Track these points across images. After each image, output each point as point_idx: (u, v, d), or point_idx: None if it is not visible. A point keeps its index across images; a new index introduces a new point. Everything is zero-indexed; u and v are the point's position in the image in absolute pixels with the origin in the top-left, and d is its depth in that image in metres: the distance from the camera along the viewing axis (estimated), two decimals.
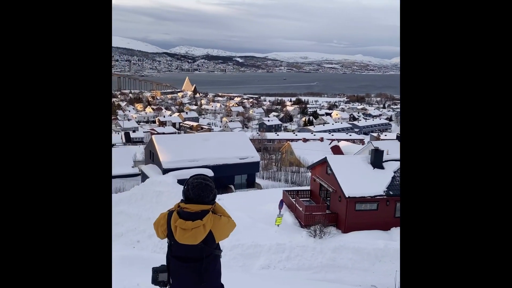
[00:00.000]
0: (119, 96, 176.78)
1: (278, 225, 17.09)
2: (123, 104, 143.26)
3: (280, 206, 18.47)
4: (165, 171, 28.41)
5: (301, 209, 19.01)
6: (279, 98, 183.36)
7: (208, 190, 2.64)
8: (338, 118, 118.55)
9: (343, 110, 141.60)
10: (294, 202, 20.10)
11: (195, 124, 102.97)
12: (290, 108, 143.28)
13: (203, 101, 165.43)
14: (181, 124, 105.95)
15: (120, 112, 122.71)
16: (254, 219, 17.25)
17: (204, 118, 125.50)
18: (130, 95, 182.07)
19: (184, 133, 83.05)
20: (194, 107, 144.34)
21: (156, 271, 2.65)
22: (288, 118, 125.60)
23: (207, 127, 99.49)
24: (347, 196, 17.63)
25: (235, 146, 32.45)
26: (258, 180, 34.36)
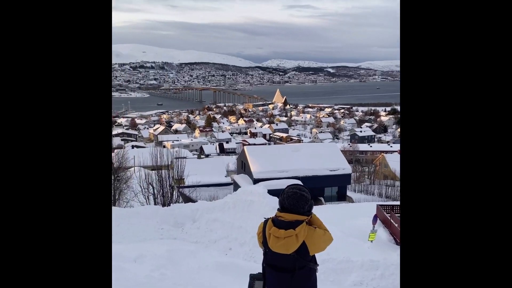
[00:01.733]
0: (214, 109, 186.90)
1: (371, 241, 16.27)
2: (218, 116, 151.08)
3: (374, 221, 17.58)
4: (256, 181, 29.08)
5: (397, 225, 17.87)
6: (373, 108, 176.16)
7: (303, 200, 2.61)
8: None
9: None
10: (389, 217, 18.98)
11: (285, 135, 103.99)
12: (384, 118, 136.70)
13: (293, 112, 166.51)
14: (271, 135, 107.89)
15: (215, 124, 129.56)
16: (345, 233, 16.64)
17: (294, 129, 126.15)
18: (225, 108, 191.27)
19: (274, 144, 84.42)
20: (284, 119, 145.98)
21: (253, 278, 2.70)
22: (382, 128, 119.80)
23: (296, 138, 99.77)
24: None
25: (325, 157, 31.92)
26: (349, 193, 33.23)
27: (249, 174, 31.48)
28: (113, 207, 16.67)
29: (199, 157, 55.18)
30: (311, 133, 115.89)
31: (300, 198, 2.60)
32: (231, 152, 79.02)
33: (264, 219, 2.73)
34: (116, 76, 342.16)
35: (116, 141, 73.91)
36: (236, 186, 30.81)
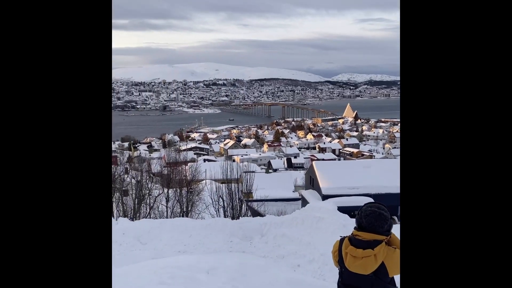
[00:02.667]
0: (283, 124, 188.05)
1: None
2: (286, 131, 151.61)
3: None
4: (325, 197, 28.49)
5: None
6: None
7: (382, 219, 2.50)
8: None
9: None
10: None
11: (355, 150, 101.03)
12: None
13: (365, 127, 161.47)
14: (341, 150, 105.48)
15: (283, 139, 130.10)
16: None
17: (365, 144, 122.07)
18: (293, 122, 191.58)
19: (344, 159, 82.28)
20: (355, 133, 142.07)
21: None
22: None
23: (368, 153, 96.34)
24: None
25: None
26: None
27: (318, 190, 30.96)
28: (185, 218, 17.35)
29: (267, 172, 55.64)
30: (383, 148, 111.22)
31: (379, 217, 2.50)
32: (299, 167, 78.53)
33: (340, 237, 2.65)
34: (191, 94, 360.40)
35: (189, 155, 77.40)
36: (304, 202, 30.45)
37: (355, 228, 2.59)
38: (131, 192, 22.65)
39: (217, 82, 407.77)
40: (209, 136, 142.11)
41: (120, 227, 11.74)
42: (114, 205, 21.87)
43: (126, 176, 26.03)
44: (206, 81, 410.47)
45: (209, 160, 72.71)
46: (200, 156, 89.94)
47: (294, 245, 15.69)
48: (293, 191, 44.08)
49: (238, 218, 18.43)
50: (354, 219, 2.63)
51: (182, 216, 20.42)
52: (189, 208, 22.13)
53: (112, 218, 16.29)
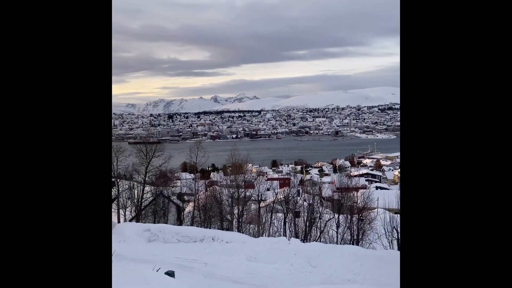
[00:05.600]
0: None
1: None
2: None
3: None
4: None
5: None
6: None
7: None
8: None
9: None
10: None
11: None
12: None
13: None
14: None
15: None
16: None
17: None
18: None
19: None
20: None
21: None
22: None
23: None
24: None
25: None
26: None
27: None
28: (356, 247, 16.81)
29: None
30: None
31: None
32: None
33: None
34: (364, 119, 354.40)
35: (361, 181, 75.45)
36: None
37: None
38: (302, 214, 23.41)
39: (393, 107, 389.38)
40: (382, 162, 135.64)
41: (292, 247, 12.23)
42: (286, 225, 22.97)
43: (298, 198, 27.10)
44: (381, 105, 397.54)
45: (381, 188, 69.14)
46: (372, 183, 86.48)
47: None
48: None
49: None
50: None
51: (352, 244, 19.89)
52: (360, 236, 21.43)
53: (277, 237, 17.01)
